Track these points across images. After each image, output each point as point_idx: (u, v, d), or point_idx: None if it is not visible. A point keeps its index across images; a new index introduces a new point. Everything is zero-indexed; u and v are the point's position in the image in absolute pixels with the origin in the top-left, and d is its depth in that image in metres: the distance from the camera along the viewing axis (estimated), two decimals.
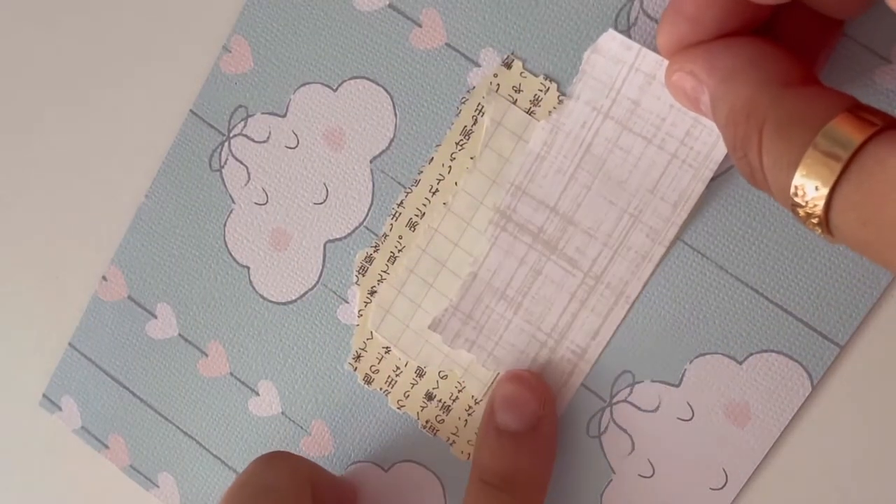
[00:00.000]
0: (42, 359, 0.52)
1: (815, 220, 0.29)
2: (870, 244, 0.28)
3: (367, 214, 0.46)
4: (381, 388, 0.47)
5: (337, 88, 0.46)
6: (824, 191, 0.29)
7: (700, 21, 0.36)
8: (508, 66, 0.43)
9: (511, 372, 0.44)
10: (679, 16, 0.36)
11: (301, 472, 0.43)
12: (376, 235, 0.46)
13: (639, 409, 0.44)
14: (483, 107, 0.44)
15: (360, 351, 0.47)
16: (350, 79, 0.45)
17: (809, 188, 0.29)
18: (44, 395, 0.52)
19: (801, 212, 0.30)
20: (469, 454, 0.46)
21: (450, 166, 0.44)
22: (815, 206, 0.29)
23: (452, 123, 0.44)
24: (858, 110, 0.29)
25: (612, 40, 0.41)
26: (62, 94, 0.50)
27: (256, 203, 0.47)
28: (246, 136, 0.47)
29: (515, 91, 0.43)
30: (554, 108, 0.43)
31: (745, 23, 0.35)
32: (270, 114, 0.46)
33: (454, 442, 0.46)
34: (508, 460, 0.42)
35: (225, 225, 0.48)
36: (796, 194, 0.29)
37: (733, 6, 0.35)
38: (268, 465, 0.43)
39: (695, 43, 0.36)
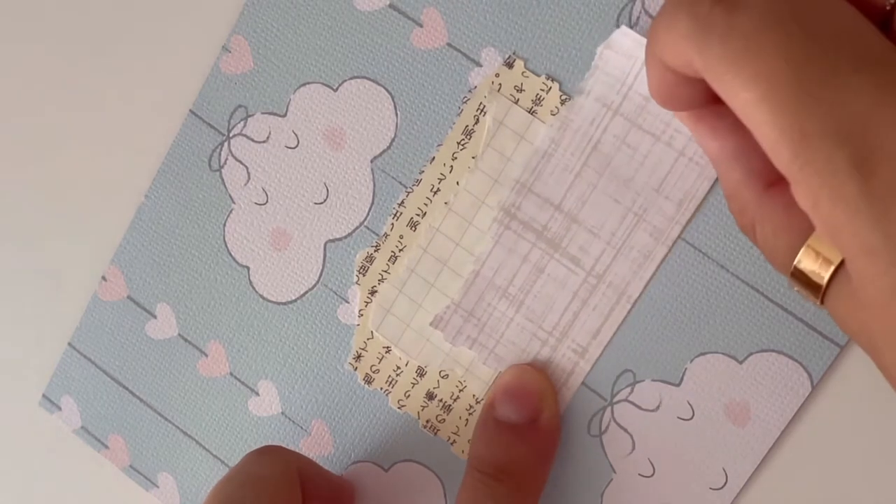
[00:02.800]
0: (42, 359, 0.52)
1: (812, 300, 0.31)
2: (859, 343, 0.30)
3: (368, 214, 0.46)
4: (381, 388, 0.47)
5: (337, 88, 0.46)
6: (817, 295, 0.30)
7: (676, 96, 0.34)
8: (510, 65, 0.43)
9: (514, 365, 0.45)
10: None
11: (291, 464, 0.43)
12: (377, 235, 0.46)
13: (639, 408, 0.44)
14: (485, 106, 0.44)
15: (360, 351, 0.47)
16: (350, 78, 0.45)
17: (806, 280, 0.30)
18: (43, 396, 0.52)
19: (799, 291, 0.31)
20: None
21: (451, 166, 0.44)
22: (815, 300, 0.31)
23: (454, 123, 0.44)
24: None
25: (624, 36, 0.41)
26: (62, 93, 0.50)
27: (256, 203, 0.47)
28: (246, 136, 0.47)
29: (517, 91, 0.43)
30: (556, 107, 0.43)
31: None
32: (270, 114, 0.46)
33: (455, 441, 0.46)
34: (505, 451, 0.42)
35: (225, 225, 0.48)
36: (794, 280, 0.31)
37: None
38: (258, 457, 0.43)
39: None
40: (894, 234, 0.26)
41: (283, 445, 0.46)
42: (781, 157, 0.27)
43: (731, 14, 0.28)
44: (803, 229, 0.31)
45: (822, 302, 0.30)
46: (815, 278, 0.30)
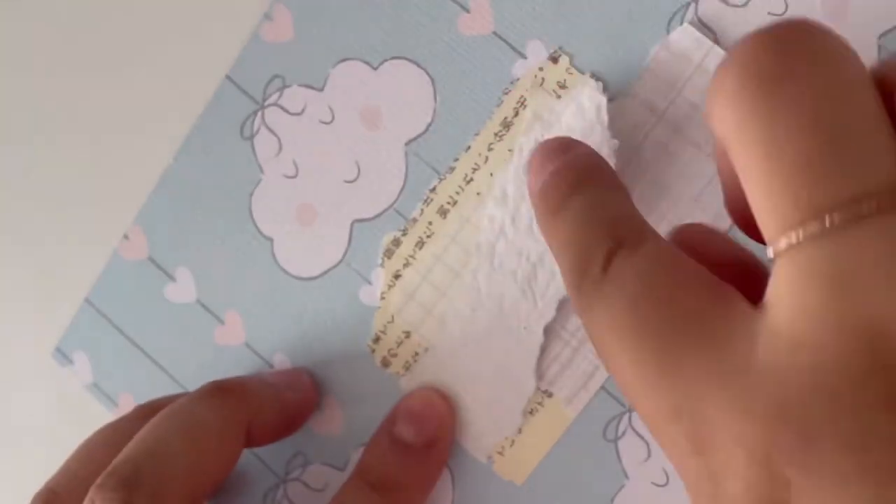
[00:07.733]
0: (58, 312, 0.51)
1: None
2: None
3: (398, 197, 0.45)
4: (398, 373, 0.46)
5: (377, 67, 0.45)
6: None
7: None
8: (555, 60, 0.42)
9: (424, 388, 0.45)
10: None
11: (239, 412, 0.43)
12: (406, 219, 0.45)
13: None
14: (526, 100, 0.43)
15: (379, 333, 0.46)
16: (392, 58, 0.45)
17: None
18: (57, 349, 0.51)
19: None
20: None
21: (486, 156, 0.44)
22: None
23: (493, 113, 0.43)
24: None
25: (684, 34, 0.40)
26: (105, 50, 0.49)
27: (286, 175, 0.47)
28: (280, 106, 0.46)
29: (560, 87, 0.42)
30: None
31: None
32: (307, 86, 0.46)
33: None
34: (392, 467, 0.43)
35: (252, 194, 0.47)
36: None
37: None
38: (207, 398, 0.43)
39: None
40: None
41: (242, 381, 0.45)
42: None
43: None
44: None
45: None
46: None
